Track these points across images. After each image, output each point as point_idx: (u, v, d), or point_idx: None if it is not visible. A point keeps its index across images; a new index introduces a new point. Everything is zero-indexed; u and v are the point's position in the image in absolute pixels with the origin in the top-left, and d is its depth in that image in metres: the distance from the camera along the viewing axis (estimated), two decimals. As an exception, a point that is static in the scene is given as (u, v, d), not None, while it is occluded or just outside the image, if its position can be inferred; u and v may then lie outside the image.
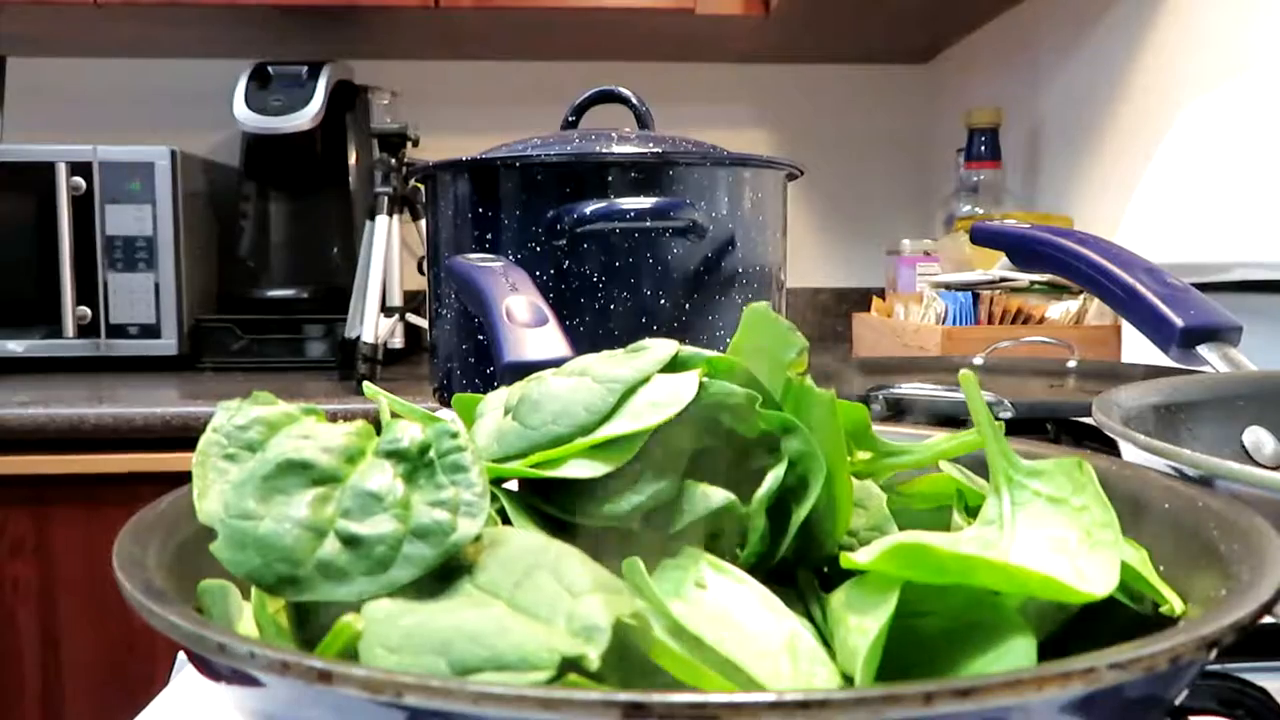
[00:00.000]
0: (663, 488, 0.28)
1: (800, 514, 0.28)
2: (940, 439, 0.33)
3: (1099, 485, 0.28)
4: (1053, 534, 0.27)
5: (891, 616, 0.24)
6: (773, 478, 0.28)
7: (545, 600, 0.23)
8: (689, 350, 0.31)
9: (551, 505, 0.28)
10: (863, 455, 0.32)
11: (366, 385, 0.40)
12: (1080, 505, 0.27)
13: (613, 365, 0.30)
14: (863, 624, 0.24)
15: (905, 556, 0.24)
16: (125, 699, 1.26)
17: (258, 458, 0.26)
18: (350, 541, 0.23)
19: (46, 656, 1.26)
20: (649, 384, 0.29)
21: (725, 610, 0.25)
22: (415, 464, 0.25)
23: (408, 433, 0.26)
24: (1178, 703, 0.25)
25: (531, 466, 0.28)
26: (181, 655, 0.52)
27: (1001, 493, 0.28)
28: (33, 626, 1.26)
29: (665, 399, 0.28)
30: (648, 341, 0.31)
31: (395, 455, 0.25)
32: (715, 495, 0.28)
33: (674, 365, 0.30)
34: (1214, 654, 0.20)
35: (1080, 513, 0.27)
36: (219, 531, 0.24)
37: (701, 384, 0.29)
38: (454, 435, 0.25)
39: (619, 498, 0.27)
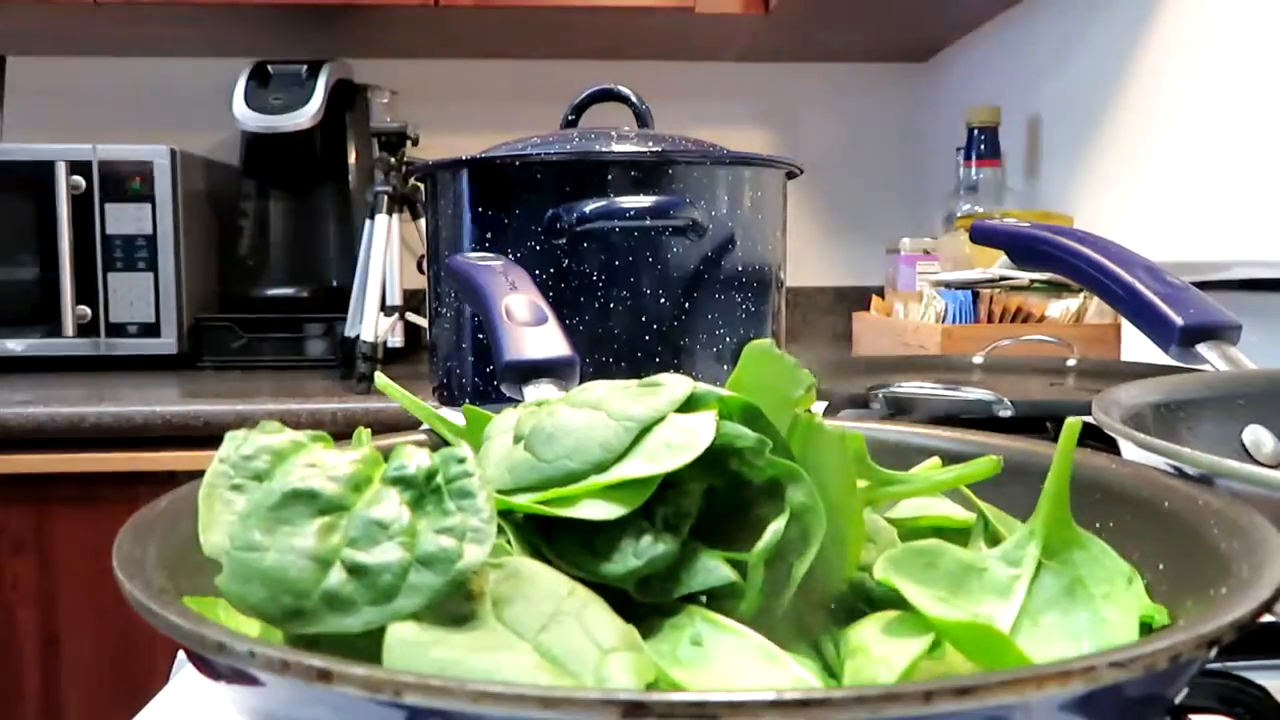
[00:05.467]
0: (661, 554, 0.27)
1: (800, 569, 0.27)
2: (938, 470, 0.33)
3: (1138, 610, 0.27)
4: (1068, 624, 0.26)
5: (923, 654, 0.24)
6: (772, 532, 0.27)
7: (573, 652, 0.23)
8: (703, 388, 0.30)
9: (551, 549, 0.28)
10: (860, 484, 0.32)
11: (379, 377, 0.40)
12: (1107, 618, 0.27)
13: (628, 401, 0.30)
14: (889, 657, 0.24)
15: (976, 639, 0.24)
16: (125, 699, 1.26)
17: (263, 488, 0.25)
18: (356, 571, 0.23)
19: (46, 656, 1.26)
20: (664, 423, 0.29)
21: (724, 669, 0.24)
22: (422, 490, 0.25)
23: (414, 459, 0.25)
24: (1177, 701, 0.25)
25: (544, 503, 0.28)
26: (181, 655, 0.52)
27: (1030, 545, 0.28)
28: (33, 626, 1.26)
29: (681, 441, 0.28)
30: (662, 377, 0.31)
31: (402, 482, 0.25)
32: (715, 573, 0.27)
33: (688, 403, 0.30)
34: (1214, 652, 0.20)
35: (1101, 625, 0.27)
36: (224, 564, 0.24)
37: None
38: (461, 460, 0.25)
39: (617, 556, 0.27)
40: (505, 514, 0.28)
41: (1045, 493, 0.29)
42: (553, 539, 0.28)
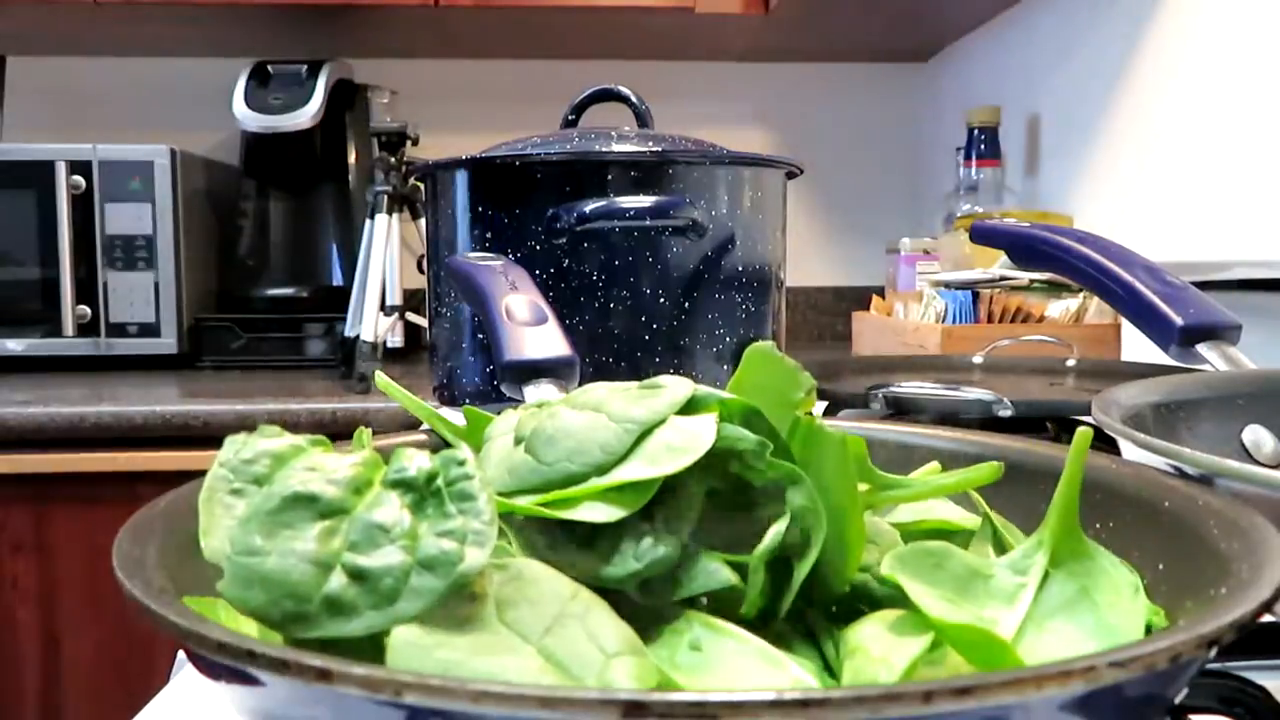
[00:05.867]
0: (661, 557, 0.27)
1: (802, 570, 0.27)
2: (939, 475, 0.33)
3: (1144, 620, 0.27)
4: (1072, 632, 0.26)
5: (923, 654, 0.24)
6: (773, 534, 0.27)
7: (577, 655, 0.23)
8: (704, 390, 0.30)
9: (552, 551, 0.28)
10: (860, 487, 0.32)
11: (379, 377, 0.40)
12: (1113, 624, 0.27)
13: (629, 403, 0.30)
14: (888, 657, 0.24)
15: (975, 643, 0.24)
16: (125, 699, 1.26)
17: (263, 492, 0.25)
18: (357, 575, 0.23)
19: (46, 656, 1.26)
20: (665, 426, 0.29)
21: (723, 673, 0.25)
22: (423, 493, 0.25)
23: (415, 462, 0.25)
24: (1177, 701, 0.25)
25: (545, 505, 0.28)
26: (181, 655, 0.52)
27: (1038, 554, 0.28)
28: (33, 626, 1.26)
29: (682, 444, 0.28)
30: (663, 379, 0.31)
31: (402, 485, 0.25)
32: (716, 575, 0.27)
33: (689, 405, 0.30)
34: (1214, 652, 0.20)
35: (1106, 633, 0.27)
36: (225, 569, 0.23)
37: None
38: (461, 463, 0.25)
39: (618, 559, 0.27)
40: (506, 516, 0.28)
41: (1054, 504, 0.29)
42: (553, 541, 0.28)
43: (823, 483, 0.28)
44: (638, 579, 0.27)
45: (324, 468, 0.25)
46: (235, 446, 0.28)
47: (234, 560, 0.23)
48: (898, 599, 0.27)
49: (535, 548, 0.28)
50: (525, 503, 0.28)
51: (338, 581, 0.23)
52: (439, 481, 0.25)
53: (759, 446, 0.28)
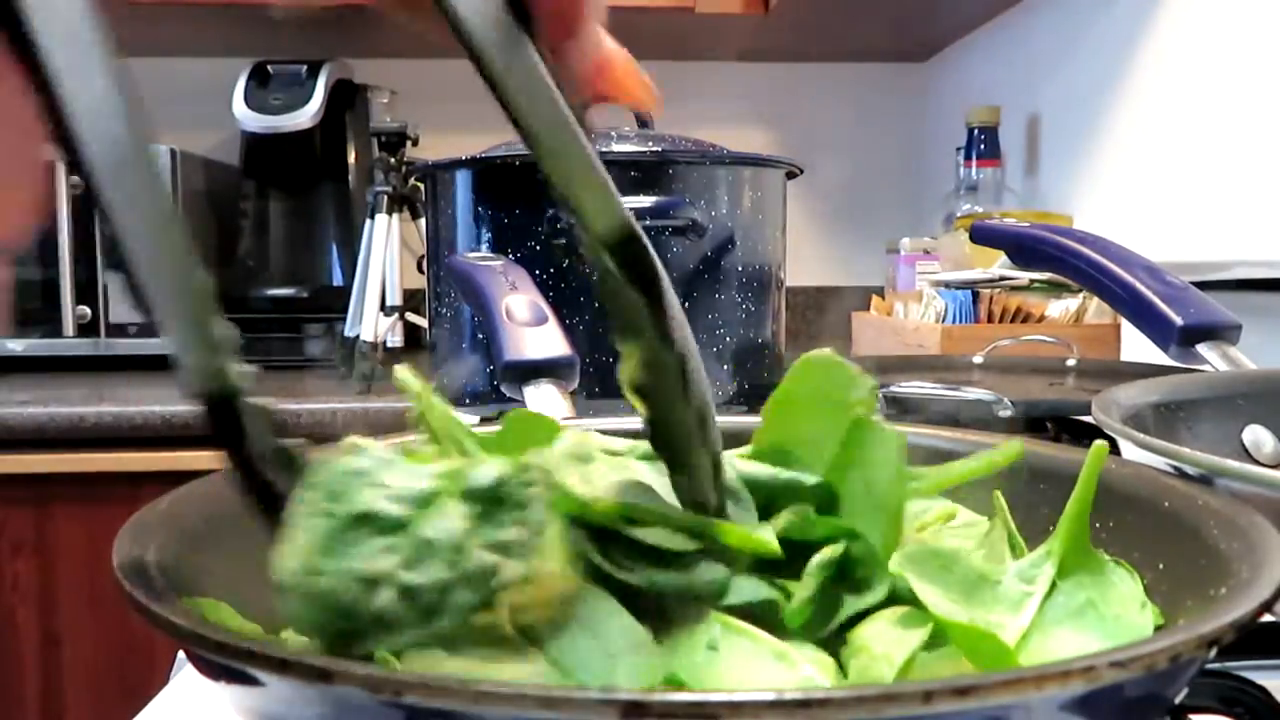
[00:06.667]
0: (713, 581, 0.27)
1: (854, 606, 0.27)
2: (959, 462, 0.33)
3: (1149, 632, 0.27)
4: (1076, 641, 0.26)
5: (920, 646, 0.24)
6: (829, 551, 0.27)
7: (581, 660, 0.23)
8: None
9: (604, 555, 0.27)
10: None
11: (396, 372, 0.39)
12: (1119, 636, 0.27)
13: None
14: (890, 653, 0.24)
15: (976, 643, 0.24)
16: (125, 699, 1.26)
17: (332, 511, 0.25)
18: (405, 591, 0.23)
19: (46, 656, 1.26)
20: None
21: (736, 673, 0.25)
22: (488, 503, 0.25)
23: (487, 471, 0.25)
24: (1177, 701, 0.25)
25: (623, 520, 0.27)
26: (181, 655, 0.52)
27: (1046, 564, 0.28)
28: (33, 626, 1.26)
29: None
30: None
31: (473, 496, 0.25)
32: (761, 589, 0.27)
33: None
34: (1214, 652, 0.20)
35: (1112, 641, 0.27)
36: (287, 592, 0.23)
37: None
38: (526, 469, 0.25)
39: (674, 570, 0.27)
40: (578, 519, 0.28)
41: (1065, 515, 0.29)
42: (607, 547, 0.28)
43: (869, 478, 0.28)
44: (688, 592, 0.27)
45: (391, 484, 0.25)
46: (324, 468, 0.27)
47: (295, 582, 0.23)
48: (905, 596, 0.27)
49: (586, 547, 0.28)
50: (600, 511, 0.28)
51: (387, 597, 0.23)
52: (504, 490, 0.25)
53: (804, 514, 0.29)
